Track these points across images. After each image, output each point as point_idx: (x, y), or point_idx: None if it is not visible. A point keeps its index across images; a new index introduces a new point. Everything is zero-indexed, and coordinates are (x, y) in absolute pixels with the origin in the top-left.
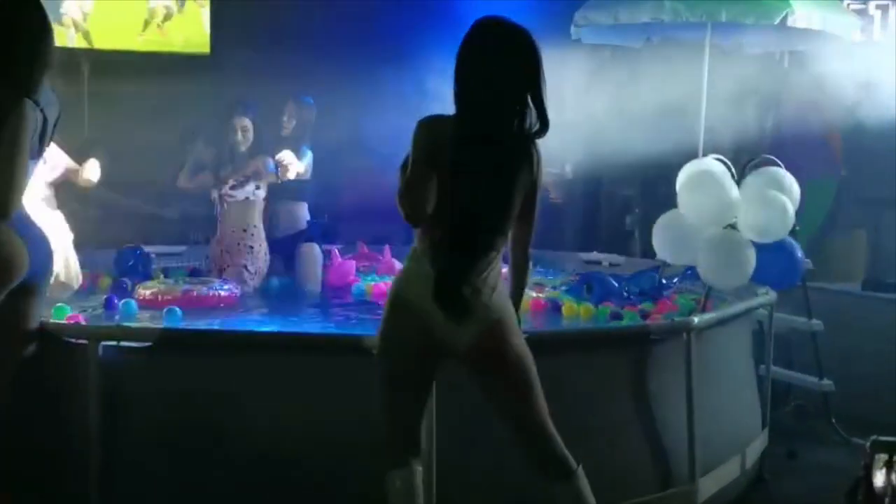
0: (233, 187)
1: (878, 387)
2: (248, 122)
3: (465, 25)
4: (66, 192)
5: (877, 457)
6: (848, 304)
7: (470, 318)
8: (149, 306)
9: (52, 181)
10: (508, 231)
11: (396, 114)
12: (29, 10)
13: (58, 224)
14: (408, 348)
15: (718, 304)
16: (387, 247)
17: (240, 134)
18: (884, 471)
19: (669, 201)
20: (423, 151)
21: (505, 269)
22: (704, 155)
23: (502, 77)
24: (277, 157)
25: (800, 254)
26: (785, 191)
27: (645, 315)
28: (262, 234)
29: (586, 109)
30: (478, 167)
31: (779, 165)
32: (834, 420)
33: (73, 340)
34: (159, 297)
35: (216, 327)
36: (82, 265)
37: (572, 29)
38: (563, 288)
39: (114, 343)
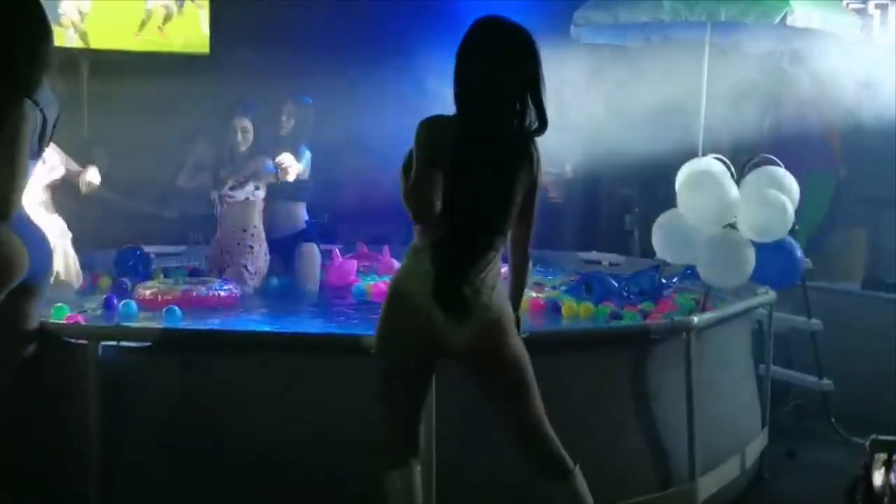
0: (232, 188)
1: (878, 386)
2: (247, 123)
3: (465, 25)
4: (66, 192)
5: (876, 456)
6: (847, 304)
7: (469, 317)
8: (148, 306)
9: (49, 184)
10: (508, 231)
11: (396, 114)
12: (29, 11)
13: (57, 225)
14: (406, 347)
15: (718, 304)
16: (386, 247)
17: (240, 135)
18: (883, 470)
19: (669, 201)
20: (426, 151)
21: (505, 269)
22: (704, 154)
23: (502, 77)
24: (277, 159)
25: (799, 253)
26: (784, 190)
27: (645, 315)
28: (262, 235)
29: (586, 109)
30: (478, 167)
31: (778, 165)
32: (833, 419)
33: (73, 340)
34: (159, 297)
35: (216, 327)
36: (82, 265)
37: (572, 28)
38: (563, 288)
39: (114, 343)
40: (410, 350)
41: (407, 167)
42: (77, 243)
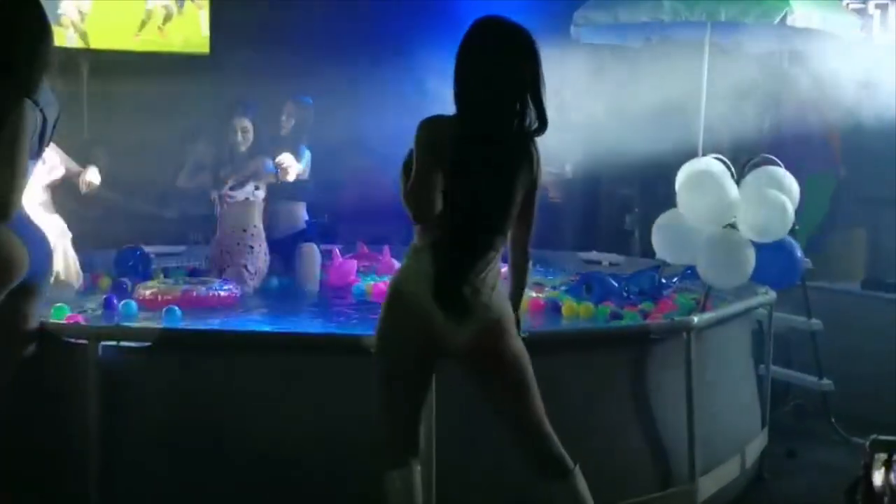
0: (232, 188)
1: (878, 386)
2: (247, 123)
3: (465, 25)
4: (66, 192)
5: (876, 456)
6: (847, 304)
7: (469, 317)
8: (148, 306)
9: (49, 184)
10: (508, 231)
11: (396, 114)
12: (29, 11)
13: (57, 225)
14: (406, 347)
15: (718, 304)
16: (386, 247)
17: (240, 135)
18: (883, 470)
19: (669, 201)
20: (426, 151)
21: (505, 269)
22: (704, 154)
23: (502, 77)
24: (277, 160)
25: (799, 253)
26: (784, 190)
27: (645, 315)
28: (262, 235)
29: (586, 109)
30: (478, 167)
31: (778, 165)
32: (833, 419)
33: (73, 340)
34: (159, 297)
35: (216, 327)
36: (82, 265)
37: (572, 28)
38: (563, 288)
39: (114, 343)
40: (410, 350)
41: (407, 167)
42: (77, 243)
